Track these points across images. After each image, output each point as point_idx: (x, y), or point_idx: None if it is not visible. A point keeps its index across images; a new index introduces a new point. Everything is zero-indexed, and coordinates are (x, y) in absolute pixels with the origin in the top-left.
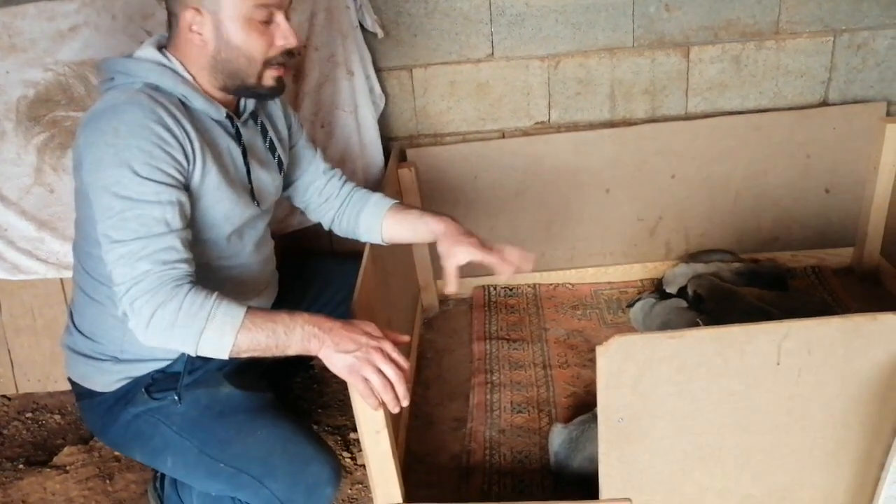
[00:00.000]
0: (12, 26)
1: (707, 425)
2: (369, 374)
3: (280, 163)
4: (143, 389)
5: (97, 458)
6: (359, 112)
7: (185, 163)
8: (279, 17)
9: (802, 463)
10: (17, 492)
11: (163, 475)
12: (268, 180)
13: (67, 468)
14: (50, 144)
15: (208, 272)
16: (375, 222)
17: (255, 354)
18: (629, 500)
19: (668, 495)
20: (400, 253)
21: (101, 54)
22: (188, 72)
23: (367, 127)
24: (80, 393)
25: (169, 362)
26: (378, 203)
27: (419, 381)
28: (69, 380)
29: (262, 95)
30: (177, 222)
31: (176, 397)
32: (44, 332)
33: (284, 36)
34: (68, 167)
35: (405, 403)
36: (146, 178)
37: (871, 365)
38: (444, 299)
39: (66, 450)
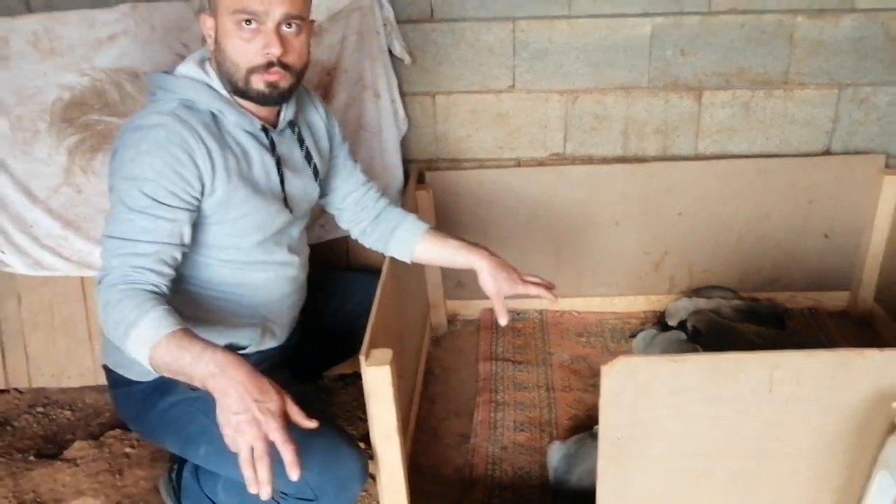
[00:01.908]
0: (53, 31)
1: (699, 447)
2: (243, 442)
3: (316, 171)
4: None
5: (107, 454)
6: (382, 134)
7: (197, 184)
8: (267, 26)
9: (787, 488)
10: (28, 482)
11: (179, 468)
12: (302, 188)
13: (78, 462)
14: (81, 147)
15: (243, 276)
16: (411, 241)
17: (172, 375)
18: None
19: None
20: (413, 272)
21: (137, 63)
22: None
23: (390, 148)
24: (116, 381)
25: None
26: (415, 223)
27: (425, 397)
28: (104, 367)
29: (256, 100)
30: (162, 237)
31: None
32: (61, 328)
33: (266, 45)
34: (97, 169)
35: (264, 495)
36: (146, 195)
37: (855, 398)
38: (452, 319)
39: (77, 444)
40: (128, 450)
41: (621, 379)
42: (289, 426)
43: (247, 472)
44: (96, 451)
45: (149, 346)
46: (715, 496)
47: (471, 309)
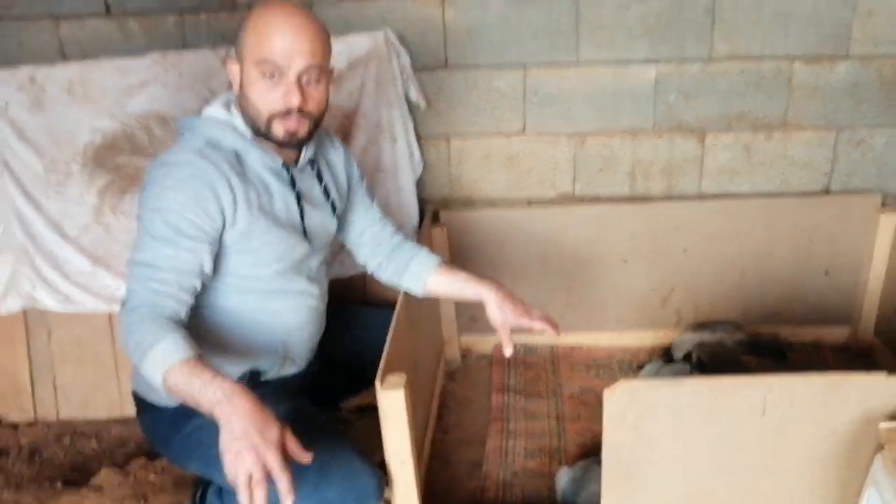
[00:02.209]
0: (88, 79)
1: (699, 467)
2: (241, 468)
3: (334, 206)
4: None
5: (132, 481)
6: (399, 175)
7: (218, 218)
8: (288, 77)
9: None
10: None
11: (203, 491)
12: (320, 221)
13: (104, 488)
14: (111, 188)
15: (265, 304)
16: (423, 274)
17: (181, 399)
18: None
19: None
20: (428, 307)
21: (166, 108)
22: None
23: (406, 189)
24: (144, 406)
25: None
26: (428, 257)
27: (439, 427)
28: (133, 393)
29: (277, 143)
30: (183, 265)
31: None
32: (89, 361)
33: (286, 94)
34: (126, 209)
35: None
36: (170, 225)
37: (845, 419)
38: (466, 354)
39: (103, 472)
40: (152, 477)
41: (623, 402)
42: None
43: (243, 497)
44: (122, 478)
45: (163, 368)
46: None
47: (484, 344)
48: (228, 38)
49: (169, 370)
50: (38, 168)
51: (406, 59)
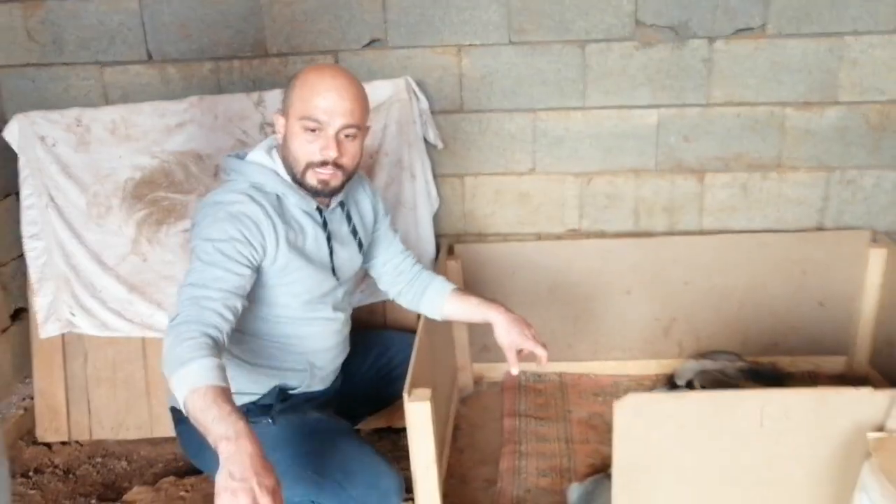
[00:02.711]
0: (129, 120)
1: (703, 476)
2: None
3: (360, 244)
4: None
5: (164, 497)
6: (417, 210)
7: (261, 251)
8: (327, 132)
9: None
10: None
11: None
12: (348, 258)
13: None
14: (148, 220)
15: (295, 329)
16: (439, 300)
17: (194, 421)
18: None
19: None
20: (443, 336)
21: (201, 147)
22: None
23: (423, 223)
24: (180, 419)
25: (259, 396)
26: (443, 284)
27: (454, 448)
28: (171, 408)
29: (310, 192)
30: (228, 286)
31: (270, 420)
32: (122, 384)
33: (323, 148)
34: (162, 240)
35: None
36: (219, 251)
37: (838, 430)
38: (478, 381)
39: (135, 489)
40: (182, 493)
41: (632, 414)
42: (332, 454)
43: None
44: (153, 494)
45: (189, 387)
46: None
47: (495, 371)
48: (260, 84)
49: (194, 391)
50: (80, 202)
51: (425, 104)
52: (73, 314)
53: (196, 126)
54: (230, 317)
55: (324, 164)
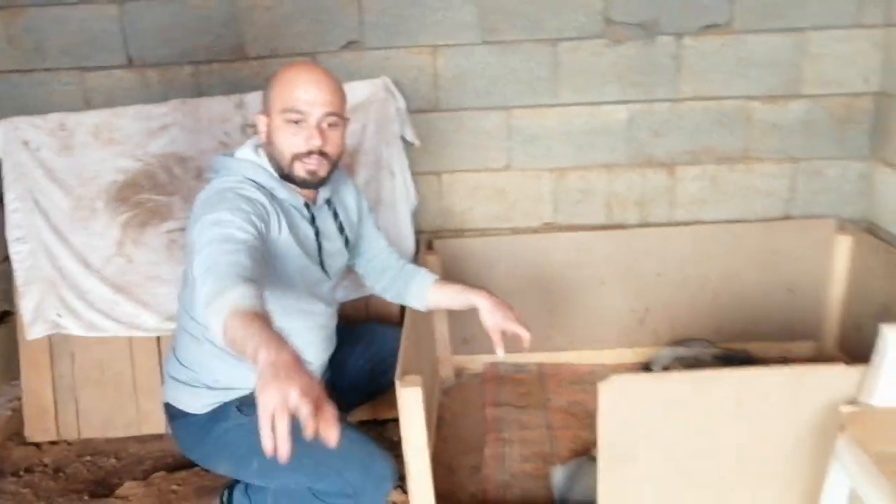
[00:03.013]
0: (113, 124)
1: (684, 454)
2: (271, 400)
3: (347, 241)
4: (235, 408)
5: (156, 491)
6: (397, 207)
7: (265, 229)
8: (310, 122)
9: (762, 489)
10: None
11: (230, 492)
12: (335, 254)
13: (130, 498)
14: (132, 222)
15: (285, 321)
16: (424, 291)
17: (233, 341)
18: None
19: None
20: (424, 329)
21: (184, 149)
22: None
23: (403, 220)
24: (175, 414)
25: (250, 389)
26: (426, 276)
27: (439, 437)
28: (165, 404)
29: (298, 184)
30: (248, 240)
31: None
32: (110, 383)
33: (307, 137)
34: (146, 241)
35: (282, 454)
36: (231, 215)
37: (812, 406)
38: (459, 373)
39: (127, 484)
40: (174, 487)
41: (615, 394)
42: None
43: (265, 428)
44: (145, 489)
45: (232, 309)
46: (701, 497)
47: (475, 363)
48: (239, 87)
49: (237, 313)
50: (64, 206)
51: (402, 103)
52: (59, 315)
53: (178, 129)
54: (258, 257)
55: (309, 153)
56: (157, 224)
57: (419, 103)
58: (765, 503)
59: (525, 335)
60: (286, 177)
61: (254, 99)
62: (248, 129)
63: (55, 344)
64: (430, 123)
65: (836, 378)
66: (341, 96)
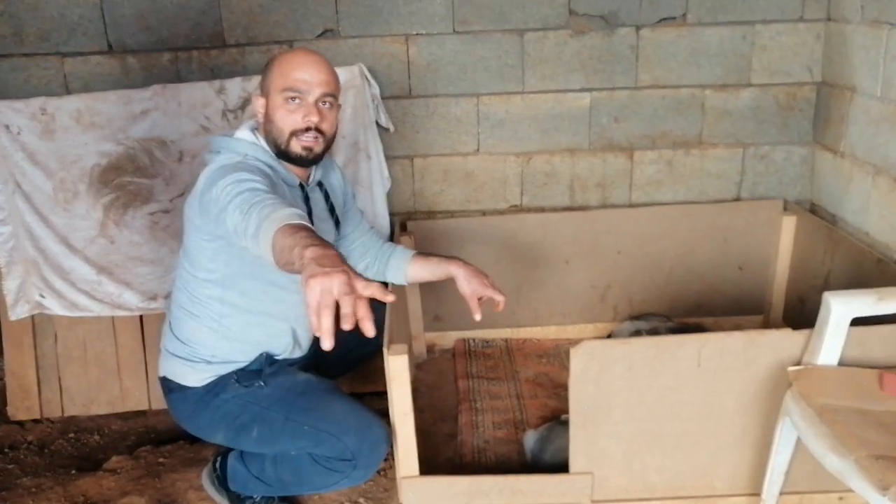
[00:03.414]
0: (94, 108)
1: (649, 413)
2: (319, 288)
3: (337, 222)
4: (234, 380)
5: (143, 464)
6: (373, 189)
7: (275, 187)
8: (307, 100)
9: (718, 444)
10: (76, 489)
11: (223, 459)
12: (326, 234)
13: (118, 471)
14: (115, 204)
15: (279, 294)
16: (403, 267)
17: (282, 247)
18: (591, 473)
19: (620, 470)
20: (399, 307)
21: (165, 133)
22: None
23: (379, 201)
24: (172, 388)
25: (248, 363)
26: (404, 252)
27: (415, 408)
28: (161, 378)
29: (294, 161)
30: (267, 189)
31: (262, 383)
32: (93, 362)
33: (305, 114)
34: (129, 223)
35: (326, 344)
36: (249, 173)
37: (763, 368)
38: (430, 348)
39: (114, 458)
40: (161, 460)
41: (586, 359)
42: (325, 409)
43: (313, 317)
44: (133, 462)
45: (279, 223)
46: (664, 455)
47: (446, 339)
48: (218, 73)
49: (282, 227)
50: (47, 188)
51: (376, 90)
52: (42, 296)
53: (160, 113)
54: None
55: (307, 130)
56: (139, 206)
57: (392, 90)
58: (722, 454)
59: (500, 298)
60: (283, 154)
61: (233, 85)
62: (228, 113)
63: (38, 324)
64: (403, 109)
65: (784, 341)
66: (337, 80)
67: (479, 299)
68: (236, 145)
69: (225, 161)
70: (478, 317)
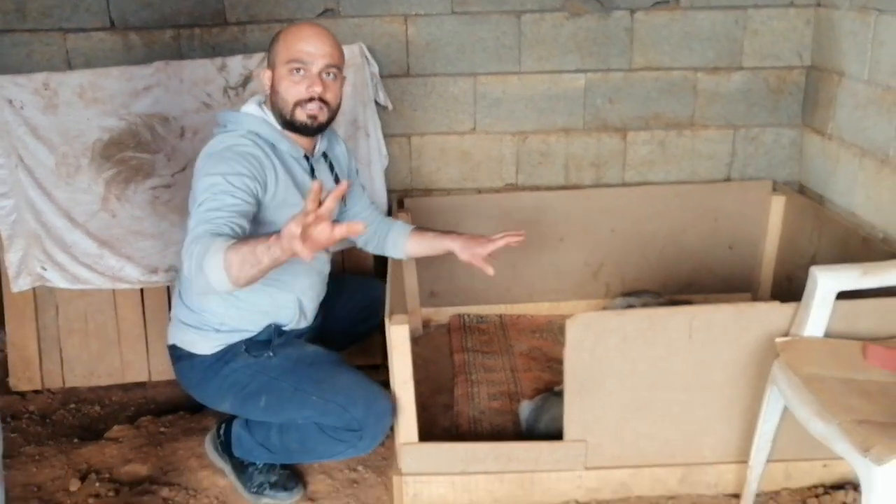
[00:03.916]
0: (96, 84)
1: (642, 382)
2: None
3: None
4: (243, 349)
5: (144, 433)
6: (371, 166)
7: (262, 185)
8: (312, 71)
9: (709, 412)
10: (79, 457)
11: (227, 426)
12: None
13: (120, 440)
14: (117, 178)
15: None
16: (401, 241)
17: (244, 261)
18: (585, 440)
19: (613, 438)
20: (396, 282)
21: (167, 109)
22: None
23: (377, 178)
24: (180, 356)
25: (256, 332)
26: (403, 226)
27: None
28: (170, 347)
29: (300, 129)
30: (236, 209)
31: (271, 354)
32: (94, 334)
33: (309, 85)
34: (130, 197)
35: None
36: (228, 181)
37: (752, 339)
38: (426, 324)
39: (116, 427)
40: (162, 429)
41: (581, 329)
42: (333, 380)
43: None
44: (134, 431)
45: (222, 251)
46: (655, 423)
47: (441, 315)
48: (219, 51)
49: (227, 250)
50: (49, 162)
51: (375, 68)
52: (44, 269)
53: (162, 90)
54: (238, 231)
55: (311, 99)
56: (141, 181)
57: (391, 69)
58: (711, 423)
59: (504, 243)
60: (288, 124)
61: (235, 62)
62: (230, 90)
63: (40, 296)
64: (401, 88)
65: (772, 314)
66: (341, 53)
67: (483, 259)
68: (243, 119)
69: (221, 144)
70: (490, 271)
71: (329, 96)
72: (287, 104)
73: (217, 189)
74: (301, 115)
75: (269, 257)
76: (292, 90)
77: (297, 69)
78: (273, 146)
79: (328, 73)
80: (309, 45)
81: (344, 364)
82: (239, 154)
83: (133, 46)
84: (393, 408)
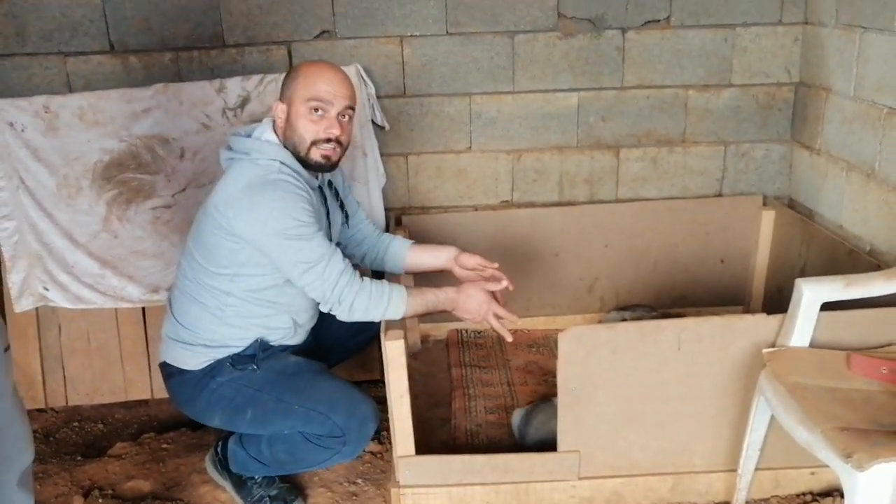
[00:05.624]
0: (97, 106)
1: (633, 394)
2: (487, 310)
3: (346, 216)
4: (228, 363)
5: (147, 450)
6: (369, 184)
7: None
8: (329, 112)
9: (697, 423)
10: (82, 474)
11: (223, 443)
12: (338, 228)
13: (123, 457)
14: (118, 199)
15: (285, 290)
16: (400, 256)
17: (422, 308)
18: (578, 451)
19: (605, 448)
20: None
21: (167, 131)
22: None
23: (374, 197)
24: (171, 373)
25: (243, 348)
26: (401, 242)
27: (410, 395)
28: (161, 364)
29: (313, 168)
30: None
31: (255, 367)
32: (96, 353)
33: (327, 127)
34: (131, 217)
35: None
36: (305, 223)
37: (740, 350)
38: (424, 339)
39: (118, 444)
40: (164, 446)
41: (573, 342)
42: (314, 389)
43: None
44: (137, 448)
45: (405, 300)
46: (647, 433)
47: (440, 330)
48: (217, 73)
49: (409, 300)
50: (50, 184)
51: (372, 89)
52: (46, 289)
53: (162, 111)
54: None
55: (328, 140)
56: (142, 201)
57: (387, 89)
58: (701, 432)
59: (491, 265)
60: (301, 160)
61: (233, 84)
62: (228, 112)
63: (42, 315)
64: (397, 108)
65: (759, 325)
66: (355, 93)
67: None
68: (267, 149)
69: (264, 175)
70: (505, 283)
71: (343, 137)
72: (304, 142)
73: (308, 234)
74: (316, 155)
75: (438, 302)
76: (311, 128)
77: (317, 109)
78: (298, 174)
79: (344, 115)
80: (330, 87)
81: (326, 372)
82: (296, 194)
83: (132, 69)
84: (375, 413)
